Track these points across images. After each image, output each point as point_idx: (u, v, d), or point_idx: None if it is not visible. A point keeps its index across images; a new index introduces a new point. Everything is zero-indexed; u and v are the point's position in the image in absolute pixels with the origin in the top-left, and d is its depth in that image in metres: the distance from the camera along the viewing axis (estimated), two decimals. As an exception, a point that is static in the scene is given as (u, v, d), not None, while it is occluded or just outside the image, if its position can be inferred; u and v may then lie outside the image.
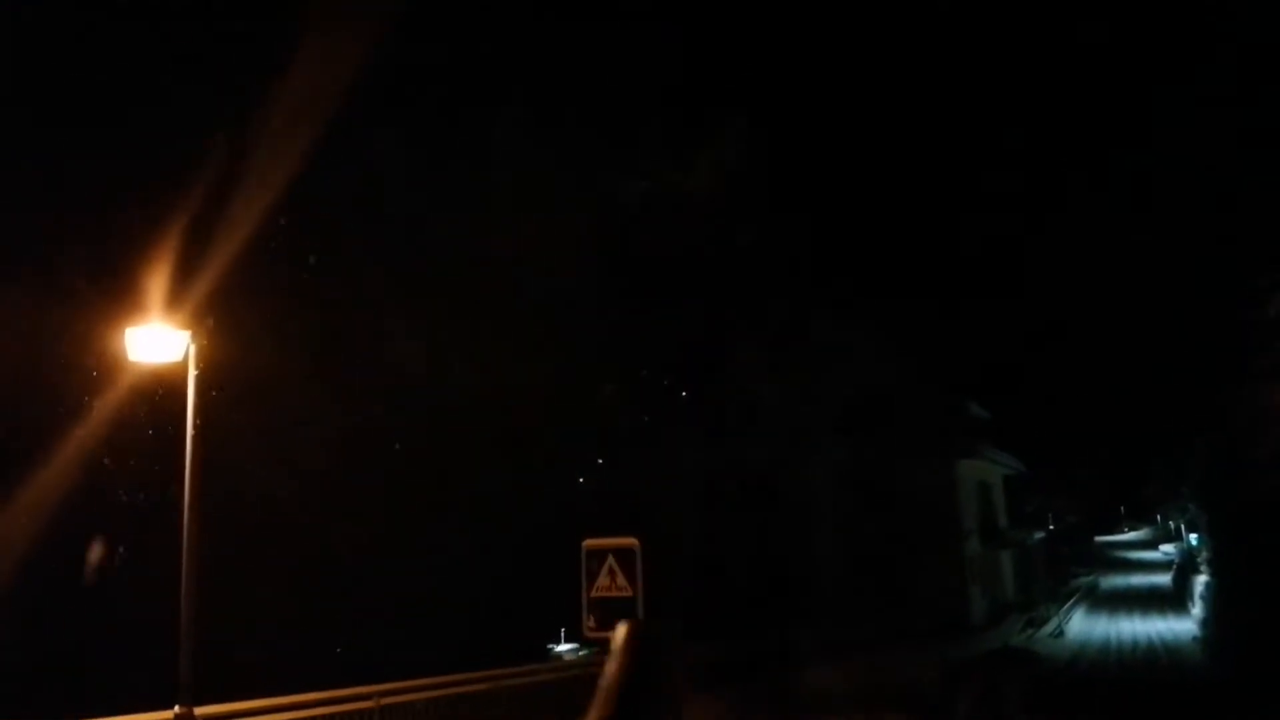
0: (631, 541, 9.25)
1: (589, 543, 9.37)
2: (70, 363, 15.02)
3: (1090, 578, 57.64)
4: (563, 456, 34.67)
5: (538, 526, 23.91)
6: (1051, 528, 59.39)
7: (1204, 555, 39.80)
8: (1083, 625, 37.30)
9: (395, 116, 24.14)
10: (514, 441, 27.07)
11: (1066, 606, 41.11)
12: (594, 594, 9.21)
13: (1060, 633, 33.86)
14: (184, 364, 6.63)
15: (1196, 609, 37.03)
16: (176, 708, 6.12)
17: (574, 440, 34.91)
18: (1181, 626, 34.81)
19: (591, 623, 9.25)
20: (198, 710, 8.59)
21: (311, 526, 21.14)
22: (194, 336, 6.59)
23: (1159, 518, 79.93)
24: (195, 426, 6.52)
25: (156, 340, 6.47)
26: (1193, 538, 49.41)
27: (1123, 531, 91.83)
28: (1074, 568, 61.18)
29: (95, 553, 16.09)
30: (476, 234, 25.39)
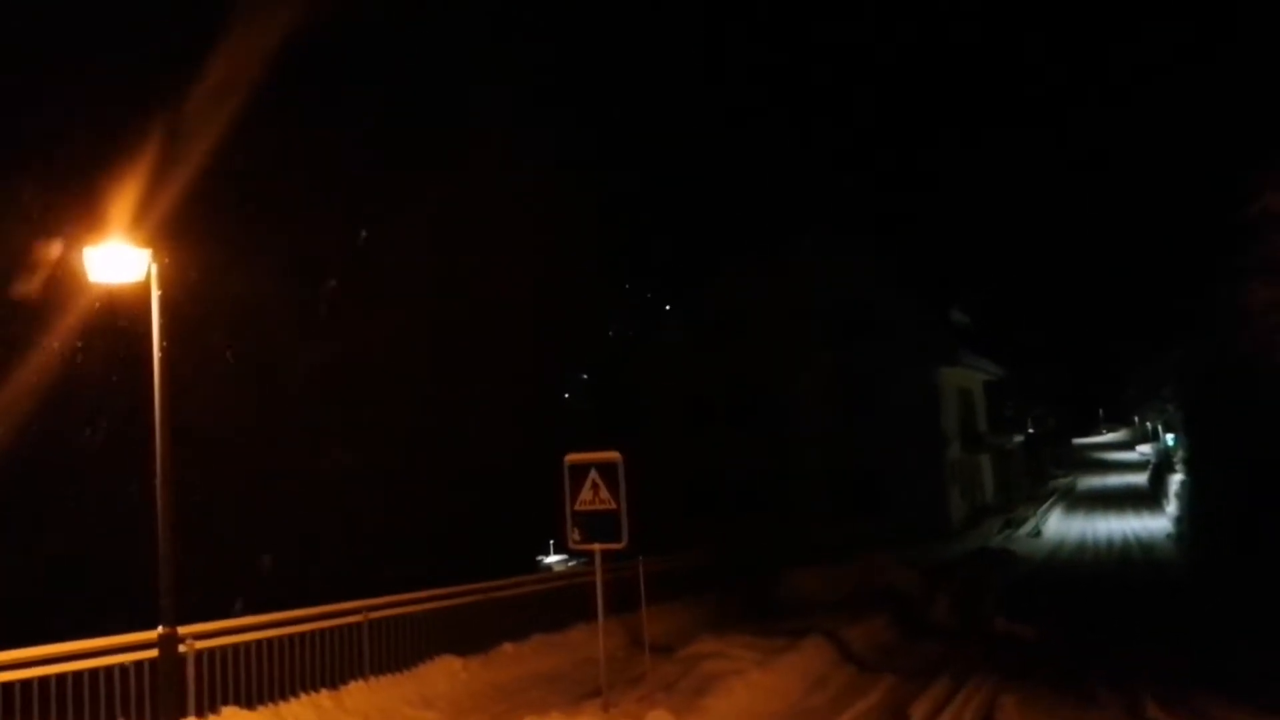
0: (614, 456, 9.26)
1: (571, 457, 9.38)
2: (32, 285, 14.68)
3: (1068, 479, 58.87)
4: (550, 372, 34.61)
5: (525, 442, 23.94)
6: (1031, 431, 60.36)
7: (1180, 455, 40.61)
8: (1060, 525, 38.20)
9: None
10: (501, 357, 26.94)
11: (1044, 507, 42.03)
12: (577, 507, 9.25)
13: (1038, 533, 34.68)
14: (147, 285, 6.43)
15: (1171, 507, 37.96)
16: (160, 628, 6.09)
17: (561, 355, 34.83)
18: (1156, 525, 35.73)
19: (576, 535, 9.32)
20: (183, 629, 8.67)
21: (296, 449, 21.10)
22: (155, 255, 6.37)
23: (1136, 419, 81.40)
24: (161, 349, 6.36)
25: (116, 260, 6.25)
26: (1169, 438, 50.38)
27: (1101, 434, 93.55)
28: (1052, 470, 62.44)
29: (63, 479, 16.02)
30: (460, 142, 24.73)
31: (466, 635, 12.00)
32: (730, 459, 33.08)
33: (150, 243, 6.41)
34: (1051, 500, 46.04)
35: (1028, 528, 35.29)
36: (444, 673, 11.11)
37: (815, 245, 33.66)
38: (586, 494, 9.21)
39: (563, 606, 13.69)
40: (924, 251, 42.43)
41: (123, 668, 8.30)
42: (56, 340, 15.23)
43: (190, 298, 17.23)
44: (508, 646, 12.28)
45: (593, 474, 9.19)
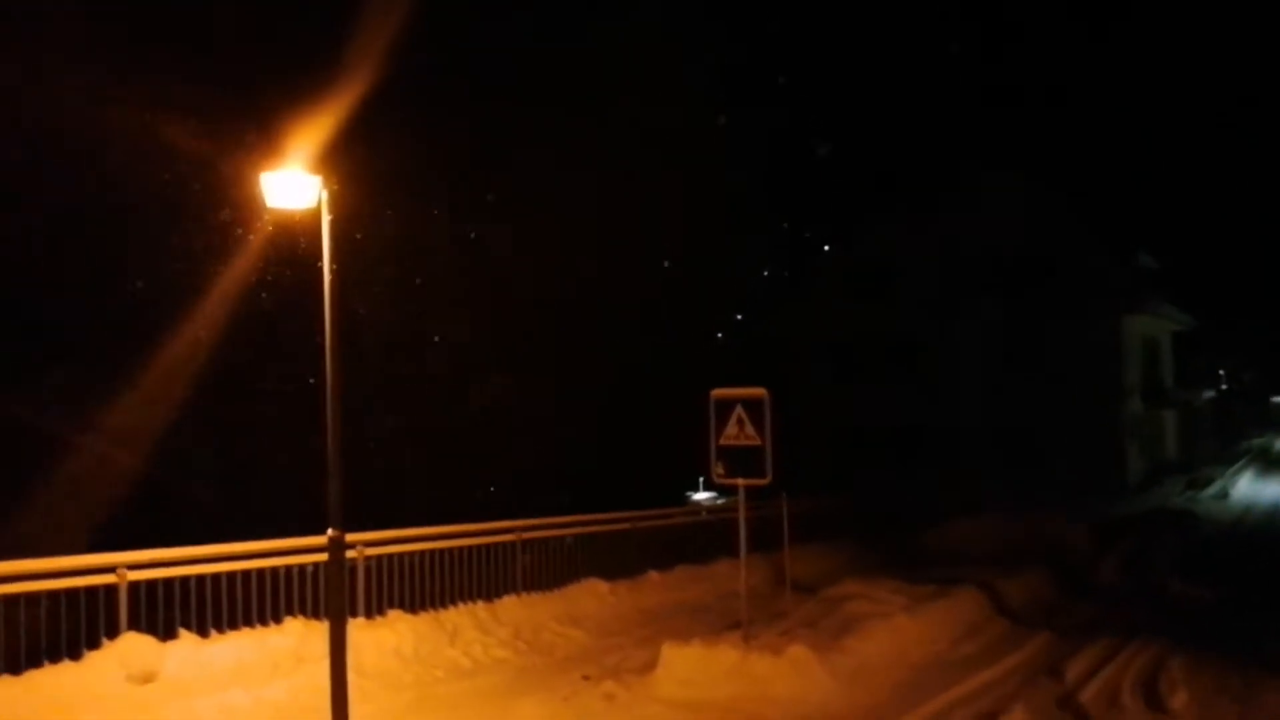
0: (759, 392, 9.17)
1: (717, 393, 9.36)
2: (216, 204, 15.83)
3: (1264, 439, 54.18)
4: (703, 309, 34.61)
5: (678, 380, 24.10)
6: (1224, 387, 55.81)
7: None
8: (1251, 488, 35.30)
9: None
10: (655, 293, 27.14)
11: (1234, 468, 38.94)
12: (722, 442, 9.25)
13: (1224, 494, 32.18)
14: (318, 211, 6.79)
15: (1384, 475, 34.39)
16: (330, 530, 6.56)
17: (714, 292, 34.71)
18: (1365, 493, 32.45)
19: (720, 470, 9.34)
20: (354, 536, 9.32)
21: (453, 379, 22.05)
22: (325, 182, 6.70)
23: (1349, 378, 73.61)
24: (332, 270, 6.72)
25: (290, 185, 6.62)
26: (1387, 400, 45.43)
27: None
28: (1247, 428, 57.63)
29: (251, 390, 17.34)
30: (619, 86, 24.76)
31: (614, 562, 12.39)
32: (885, 406, 32.25)
33: (321, 170, 6.74)
34: (1244, 461, 42.59)
35: (1214, 489, 32.80)
36: (591, 594, 11.51)
37: (983, 187, 31.87)
38: (732, 429, 9.19)
39: (708, 540, 13.87)
40: (1110, 190, 39.45)
41: (301, 568, 9.07)
42: (247, 262, 16.46)
43: (360, 228, 18.22)
44: (653, 575, 12.57)
45: (738, 409, 9.15)
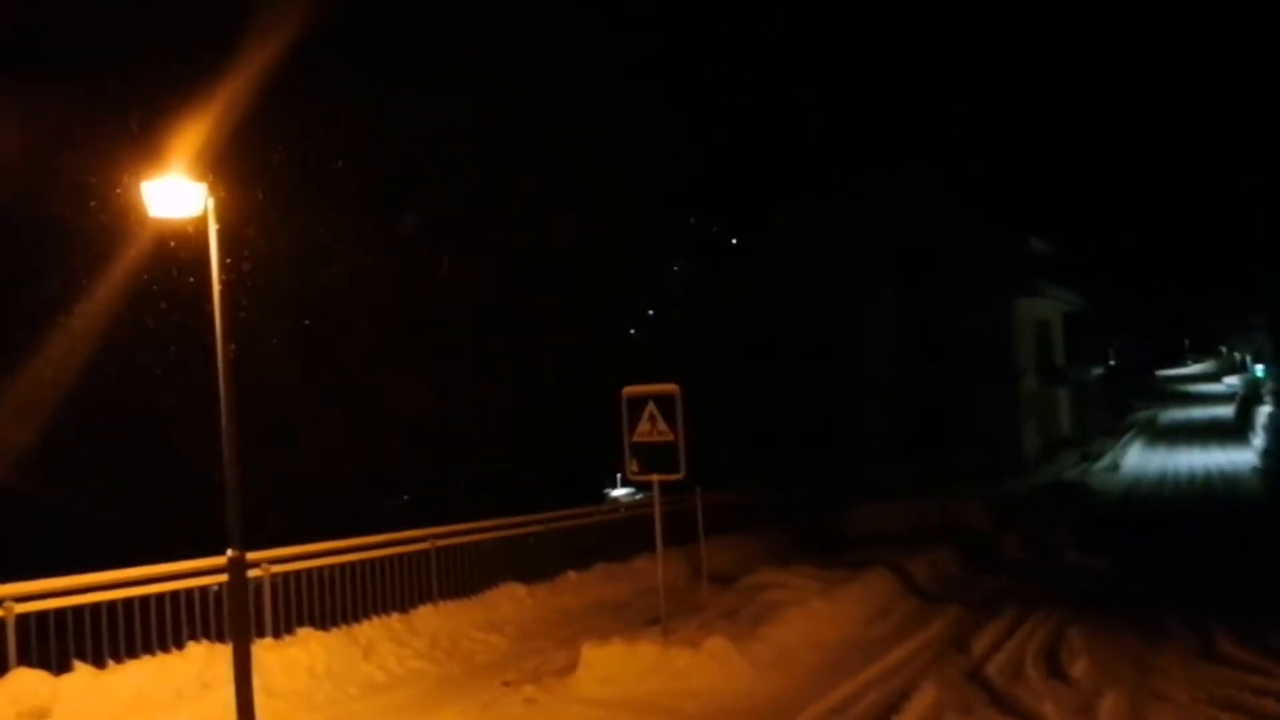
0: (671, 388, 9.22)
1: (629, 390, 9.38)
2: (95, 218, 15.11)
3: (1149, 412, 57.12)
4: (615, 309, 34.61)
5: (592, 378, 24.07)
6: (1112, 363, 58.54)
7: (1269, 386, 39.01)
8: (1139, 459, 37.21)
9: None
10: (566, 293, 27.02)
11: (1123, 441, 40.95)
12: (635, 439, 9.27)
13: (1115, 467, 33.84)
14: (205, 219, 6.54)
15: (1258, 440, 36.60)
16: (230, 551, 6.32)
17: (625, 290, 34.75)
18: (1242, 458, 34.49)
19: (634, 466, 9.36)
20: (258, 554, 9.02)
21: (368, 382, 21.56)
22: (211, 189, 6.46)
23: (1224, 350, 78.32)
24: (221, 281, 6.48)
25: (174, 194, 6.35)
26: (1258, 369, 48.43)
27: (1187, 365, 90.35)
28: (1133, 402, 60.66)
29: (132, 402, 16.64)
30: (517, 72, 24.52)
31: (533, 564, 12.29)
32: (798, 397, 32.86)
33: (206, 177, 6.49)
34: (1131, 434, 44.82)
35: (1105, 461, 34.47)
36: (509, 599, 11.40)
37: (884, 178, 32.76)
38: (645, 426, 9.22)
39: (626, 537, 13.88)
40: (1001, 180, 40.90)
41: (204, 590, 8.73)
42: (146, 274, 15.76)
43: (262, 234, 17.62)
44: (572, 575, 12.52)
45: (650, 406, 9.19)
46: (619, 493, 31.84)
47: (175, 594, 8.47)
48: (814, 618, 9.86)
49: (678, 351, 35.17)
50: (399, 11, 22.99)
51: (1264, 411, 38.38)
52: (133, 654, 8.15)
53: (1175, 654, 8.77)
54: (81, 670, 7.74)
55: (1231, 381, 67.02)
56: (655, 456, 9.15)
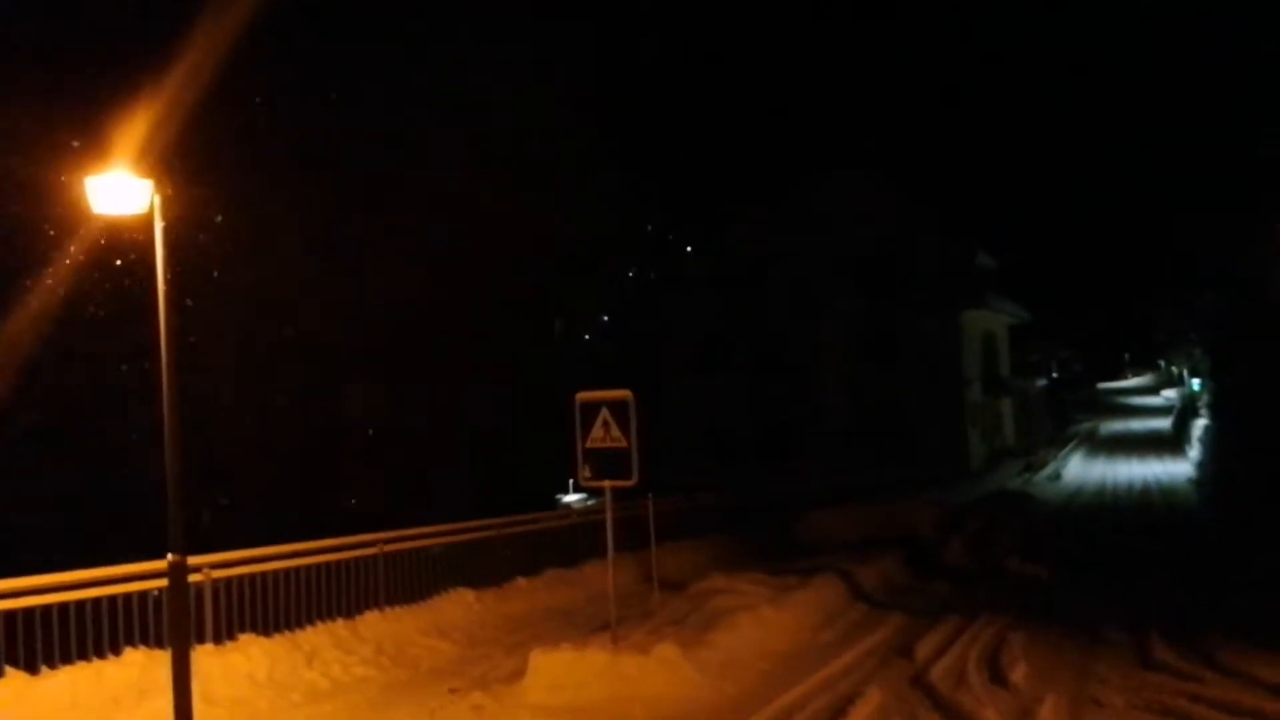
0: (624, 394, 9.22)
1: (582, 396, 9.36)
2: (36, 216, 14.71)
3: (1090, 423, 58.46)
4: (572, 314, 34.58)
5: (545, 383, 24.02)
6: (1055, 375, 59.83)
7: (1205, 399, 40.18)
8: (1080, 469, 38.04)
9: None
10: (520, 297, 26.92)
11: (1065, 451, 41.83)
12: (588, 445, 9.25)
13: (1057, 476, 34.56)
14: (150, 216, 6.39)
15: (1194, 451, 37.64)
16: (170, 555, 6.18)
17: (579, 295, 34.73)
18: (1178, 469, 35.47)
19: (587, 472, 9.34)
20: (201, 559, 8.83)
21: (317, 387, 21.28)
22: (157, 186, 6.32)
23: (1163, 364, 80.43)
24: (165, 281, 6.35)
25: (119, 190, 6.20)
26: (1195, 382, 49.82)
27: (1127, 378, 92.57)
28: (1075, 414, 62.06)
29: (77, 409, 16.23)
30: (475, 82, 24.43)
31: (482, 569, 12.19)
32: (752, 404, 33.11)
33: (153, 174, 6.36)
34: (1073, 444, 45.80)
35: (1047, 471, 35.17)
36: (458, 604, 11.30)
37: (839, 190, 33.19)
38: (598, 432, 9.20)
39: (577, 543, 13.85)
40: (951, 195, 41.72)
41: (143, 595, 8.51)
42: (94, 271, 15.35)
43: (211, 235, 17.30)
44: (521, 581, 12.46)
45: (604, 412, 9.17)
46: (571, 498, 31.73)
47: (114, 599, 8.26)
48: (763, 624, 9.92)
49: (633, 356, 35.25)
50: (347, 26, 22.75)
51: (1200, 424, 39.48)
52: (68, 660, 7.94)
53: (1113, 661, 8.98)
54: (14, 676, 7.52)
55: (1169, 395, 68.85)
56: (608, 463, 9.14)
